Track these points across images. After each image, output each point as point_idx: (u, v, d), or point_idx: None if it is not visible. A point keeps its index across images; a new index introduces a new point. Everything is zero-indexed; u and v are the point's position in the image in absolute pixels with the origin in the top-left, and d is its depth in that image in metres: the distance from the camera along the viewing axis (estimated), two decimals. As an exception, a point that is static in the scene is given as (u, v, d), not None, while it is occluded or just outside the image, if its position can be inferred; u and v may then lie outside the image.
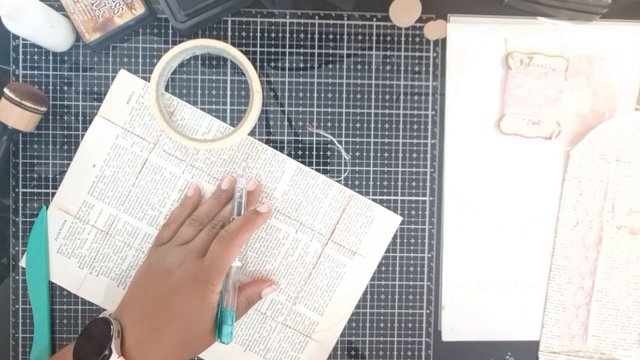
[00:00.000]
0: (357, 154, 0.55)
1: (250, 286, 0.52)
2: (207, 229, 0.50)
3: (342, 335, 0.55)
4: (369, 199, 0.54)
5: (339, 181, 0.54)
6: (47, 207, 0.53)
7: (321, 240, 0.54)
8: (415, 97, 0.55)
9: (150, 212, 0.53)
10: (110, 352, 0.43)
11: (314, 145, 0.54)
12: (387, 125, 0.55)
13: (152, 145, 0.53)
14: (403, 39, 0.54)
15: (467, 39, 0.54)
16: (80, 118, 0.53)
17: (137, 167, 0.53)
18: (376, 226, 0.54)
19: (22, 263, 0.53)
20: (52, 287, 0.53)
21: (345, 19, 0.54)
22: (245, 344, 0.54)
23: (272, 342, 0.54)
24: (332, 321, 0.54)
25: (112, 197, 0.53)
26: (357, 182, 0.54)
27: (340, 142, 0.54)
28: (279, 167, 0.54)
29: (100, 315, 0.46)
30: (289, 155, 0.54)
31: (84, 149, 0.53)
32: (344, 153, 0.54)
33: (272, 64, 0.54)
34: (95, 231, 0.53)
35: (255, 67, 0.52)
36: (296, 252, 0.54)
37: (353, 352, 0.55)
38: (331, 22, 0.54)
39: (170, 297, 0.46)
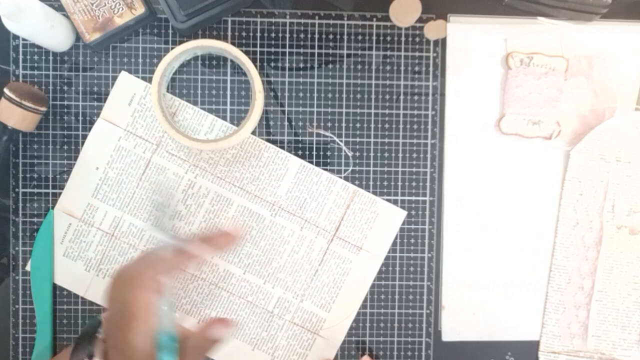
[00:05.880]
0: (357, 154, 0.55)
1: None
2: None
3: (343, 335, 0.55)
4: (370, 199, 0.55)
5: (339, 181, 0.54)
6: (52, 210, 0.53)
7: (326, 237, 0.54)
8: (415, 97, 0.55)
9: (154, 213, 0.53)
10: (93, 354, 0.43)
11: (314, 146, 0.54)
12: (387, 125, 0.55)
13: (154, 147, 0.53)
14: (403, 39, 0.54)
15: (467, 39, 0.54)
16: (81, 118, 0.53)
17: (140, 168, 0.53)
18: (381, 221, 0.54)
19: (28, 267, 0.53)
20: (54, 287, 0.53)
21: (345, 19, 0.54)
22: (253, 343, 0.54)
23: (280, 340, 0.54)
24: (339, 317, 0.54)
25: (117, 199, 0.53)
26: (357, 182, 0.54)
27: (340, 142, 0.55)
28: (282, 165, 0.54)
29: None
30: (290, 155, 0.54)
31: (87, 152, 0.53)
32: (346, 150, 0.54)
33: (272, 64, 0.54)
34: (100, 233, 0.53)
35: (255, 67, 0.52)
36: (302, 250, 0.54)
37: (353, 352, 0.55)
38: (331, 22, 0.54)
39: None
